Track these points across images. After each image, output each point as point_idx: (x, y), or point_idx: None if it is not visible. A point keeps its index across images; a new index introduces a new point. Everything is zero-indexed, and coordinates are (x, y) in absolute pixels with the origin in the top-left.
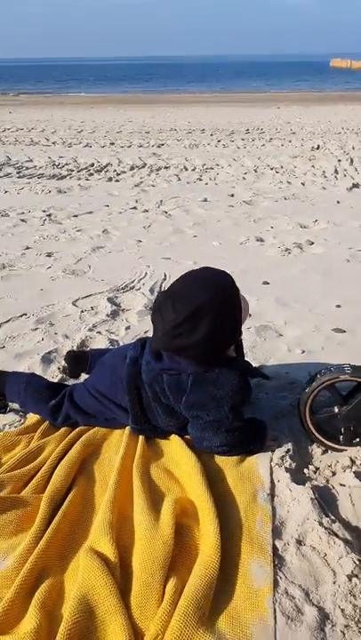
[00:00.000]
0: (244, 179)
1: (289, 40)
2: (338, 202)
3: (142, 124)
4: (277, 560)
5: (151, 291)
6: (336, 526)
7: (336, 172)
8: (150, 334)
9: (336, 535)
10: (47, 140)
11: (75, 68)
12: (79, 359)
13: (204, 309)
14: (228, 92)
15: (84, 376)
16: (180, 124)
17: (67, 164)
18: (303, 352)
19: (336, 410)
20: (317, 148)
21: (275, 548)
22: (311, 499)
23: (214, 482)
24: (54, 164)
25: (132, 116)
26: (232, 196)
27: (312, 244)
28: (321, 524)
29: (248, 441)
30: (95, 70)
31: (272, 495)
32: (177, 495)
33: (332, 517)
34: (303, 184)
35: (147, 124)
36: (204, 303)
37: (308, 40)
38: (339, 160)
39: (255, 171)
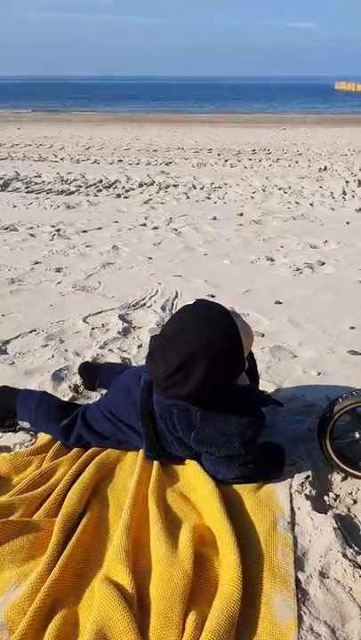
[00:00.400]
0: (252, 198)
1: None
2: (347, 222)
3: (149, 142)
4: (301, 594)
5: (163, 308)
6: None
7: (344, 193)
8: None
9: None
10: (55, 155)
11: (81, 86)
12: (91, 370)
13: (196, 355)
14: (233, 113)
15: (96, 396)
16: (186, 143)
17: (75, 180)
18: (319, 374)
19: (357, 435)
20: (325, 169)
21: (297, 581)
22: (334, 528)
23: (232, 508)
24: (62, 180)
25: (139, 134)
26: (241, 215)
27: (323, 264)
28: (345, 555)
29: (265, 468)
30: (101, 89)
31: (293, 524)
32: (194, 522)
33: (356, 549)
34: (312, 204)
35: (154, 143)
36: (195, 349)
37: (310, 63)
38: (347, 181)
39: (263, 190)
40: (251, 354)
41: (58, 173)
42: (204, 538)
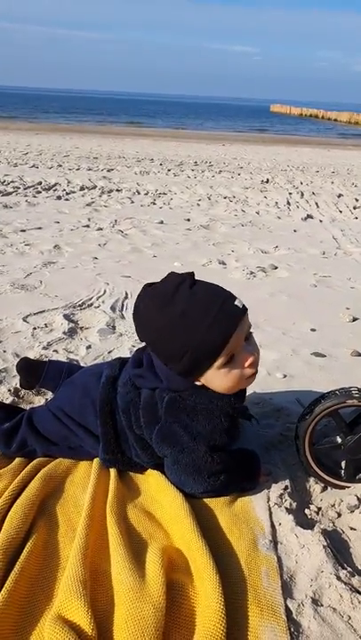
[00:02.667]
0: (198, 205)
1: (232, 84)
2: (295, 230)
3: (90, 150)
4: (293, 626)
5: (113, 309)
6: (357, 581)
7: (289, 203)
8: (115, 355)
9: (359, 592)
10: None
11: (20, 96)
12: (33, 367)
13: (175, 304)
14: (172, 129)
15: (39, 400)
16: (128, 152)
17: (12, 182)
18: (285, 376)
19: (339, 440)
20: (267, 181)
21: (288, 611)
22: (324, 546)
23: (204, 526)
24: None
25: (79, 143)
26: (188, 220)
27: (276, 268)
28: (339, 578)
29: (239, 479)
30: (41, 101)
31: (275, 542)
32: (162, 543)
33: (350, 569)
34: (258, 213)
35: (94, 151)
36: (162, 325)
37: (250, 86)
38: (290, 193)
39: (209, 198)
40: None
41: None
42: (174, 562)
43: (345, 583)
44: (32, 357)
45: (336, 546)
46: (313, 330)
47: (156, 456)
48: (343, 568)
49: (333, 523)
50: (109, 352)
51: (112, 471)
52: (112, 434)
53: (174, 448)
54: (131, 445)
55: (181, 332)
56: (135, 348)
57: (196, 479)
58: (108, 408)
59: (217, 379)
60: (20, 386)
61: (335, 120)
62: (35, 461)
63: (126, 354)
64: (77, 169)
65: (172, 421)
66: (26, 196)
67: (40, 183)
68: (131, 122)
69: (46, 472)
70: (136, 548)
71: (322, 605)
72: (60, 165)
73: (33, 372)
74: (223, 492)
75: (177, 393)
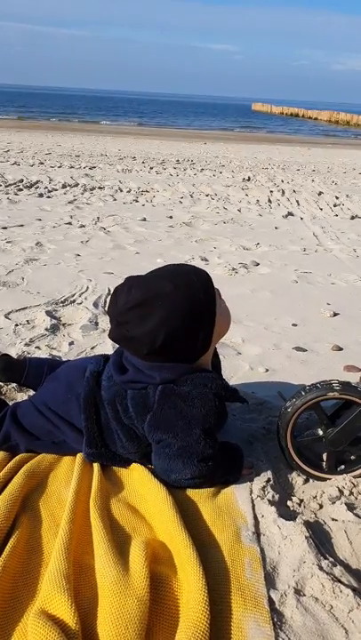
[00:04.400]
0: (180, 202)
1: (213, 83)
2: (276, 227)
3: (71, 148)
4: (276, 616)
5: (95, 305)
6: (338, 570)
7: (270, 201)
8: (98, 351)
9: (340, 582)
10: None
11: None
12: (14, 366)
13: (160, 298)
14: (154, 127)
15: (22, 396)
16: (110, 150)
17: None
18: (267, 370)
19: (320, 432)
20: (248, 179)
21: (271, 601)
22: (306, 537)
23: (188, 518)
24: None
25: (60, 141)
26: (170, 217)
27: (257, 264)
28: (321, 568)
29: (223, 470)
30: (23, 98)
31: (257, 534)
32: (145, 536)
33: (331, 559)
34: (240, 210)
35: (76, 149)
36: (162, 292)
37: (231, 84)
38: (271, 191)
39: (191, 196)
40: (215, 350)
41: None
42: (158, 555)
43: (327, 573)
44: (14, 354)
45: (318, 537)
46: (294, 325)
47: (144, 445)
48: (325, 558)
49: (315, 514)
50: (92, 348)
51: (95, 466)
52: (96, 428)
53: (169, 433)
54: (116, 437)
55: (196, 311)
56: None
57: (186, 463)
58: (92, 402)
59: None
60: (2, 381)
61: (316, 119)
62: (17, 457)
63: (109, 350)
64: (59, 166)
65: (168, 407)
66: (7, 193)
67: (22, 181)
68: (112, 119)
69: (29, 468)
70: (120, 542)
71: (304, 595)
72: (42, 163)
73: (14, 371)
74: (209, 479)
75: (170, 383)
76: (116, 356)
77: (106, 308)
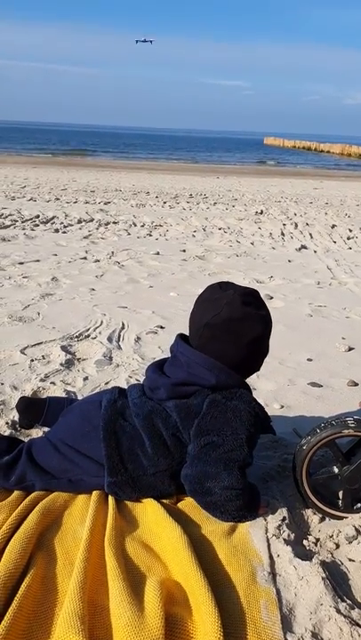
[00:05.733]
0: (193, 236)
1: (225, 118)
2: (289, 261)
3: (87, 184)
4: None
5: (109, 339)
6: (356, 613)
7: (283, 234)
8: (112, 384)
9: (359, 625)
10: None
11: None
12: (34, 407)
13: (232, 321)
14: (168, 162)
15: (37, 432)
16: (124, 186)
17: (10, 215)
18: (282, 407)
19: (336, 470)
20: (261, 212)
21: None
22: (323, 578)
23: (203, 557)
24: None
25: (76, 176)
26: (184, 251)
27: (271, 298)
28: (338, 610)
29: (250, 497)
30: (39, 134)
31: (273, 574)
32: (160, 576)
33: (349, 602)
34: (253, 244)
35: (91, 184)
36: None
37: (243, 119)
38: (284, 224)
39: (204, 230)
40: None
41: None
42: (173, 595)
43: (345, 616)
44: (29, 392)
45: (335, 578)
46: (309, 360)
47: (176, 461)
48: (343, 600)
49: (332, 554)
50: (106, 383)
51: (110, 503)
52: (117, 454)
53: (217, 435)
54: (142, 457)
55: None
56: (131, 379)
57: (227, 467)
58: (112, 430)
59: None
60: (20, 426)
61: (328, 152)
62: (33, 494)
63: (123, 385)
64: (75, 202)
65: (217, 413)
66: (24, 229)
67: (38, 216)
68: (127, 155)
69: (44, 505)
70: (134, 582)
71: (322, 639)
72: (58, 199)
73: (34, 410)
74: (240, 496)
75: (219, 394)
76: (152, 371)
77: (120, 344)
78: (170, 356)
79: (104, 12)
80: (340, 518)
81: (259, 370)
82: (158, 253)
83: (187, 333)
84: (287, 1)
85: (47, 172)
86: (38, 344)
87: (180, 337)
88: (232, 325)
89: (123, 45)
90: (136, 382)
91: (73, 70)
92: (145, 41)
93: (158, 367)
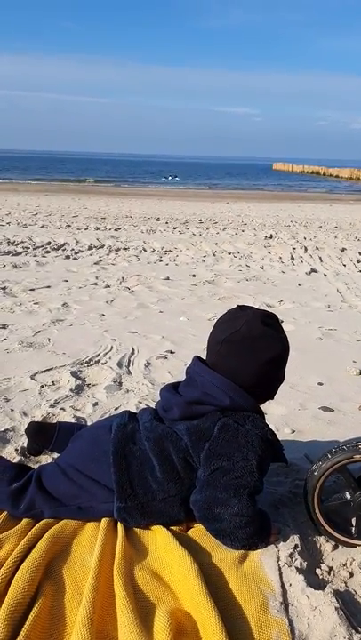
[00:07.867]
0: (203, 261)
1: (234, 144)
2: (299, 284)
3: (97, 210)
4: None
5: (119, 365)
6: None
7: (292, 258)
8: (122, 410)
9: None
10: (1, 220)
11: (28, 159)
12: (44, 431)
13: (248, 339)
14: (177, 188)
15: (46, 458)
16: (134, 212)
17: (22, 242)
18: (293, 432)
19: (348, 496)
20: (271, 237)
21: None
22: (336, 608)
23: (213, 587)
24: (9, 242)
25: (87, 203)
26: (194, 276)
27: (282, 322)
28: None
29: (260, 526)
30: (50, 163)
31: (285, 604)
32: (170, 606)
33: None
34: (262, 268)
35: (102, 211)
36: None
37: (252, 145)
38: (293, 248)
39: (213, 254)
40: None
41: (4, 236)
42: (182, 626)
43: None
44: (39, 416)
45: (349, 607)
46: (320, 384)
47: (185, 487)
48: (357, 632)
49: (345, 583)
50: (116, 409)
51: (120, 532)
52: (126, 478)
53: (228, 460)
54: (152, 482)
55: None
56: (141, 404)
57: (237, 493)
58: (122, 454)
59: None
60: (28, 452)
61: (337, 176)
62: (41, 522)
63: (133, 410)
64: (86, 229)
65: (229, 437)
66: (35, 255)
67: (49, 243)
68: (137, 182)
69: (53, 533)
70: (144, 612)
71: None
72: (69, 225)
73: (43, 435)
74: (250, 523)
75: (231, 418)
76: (167, 391)
77: (130, 369)
78: (185, 377)
79: (120, 46)
80: (354, 546)
81: (273, 398)
82: (168, 278)
83: (202, 356)
84: (295, 32)
85: (59, 200)
86: (48, 370)
87: (197, 358)
88: (250, 342)
89: (132, 75)
90: (146, 407)
91: (85, 100)
92: (172, 178)
93: (173, 387)
